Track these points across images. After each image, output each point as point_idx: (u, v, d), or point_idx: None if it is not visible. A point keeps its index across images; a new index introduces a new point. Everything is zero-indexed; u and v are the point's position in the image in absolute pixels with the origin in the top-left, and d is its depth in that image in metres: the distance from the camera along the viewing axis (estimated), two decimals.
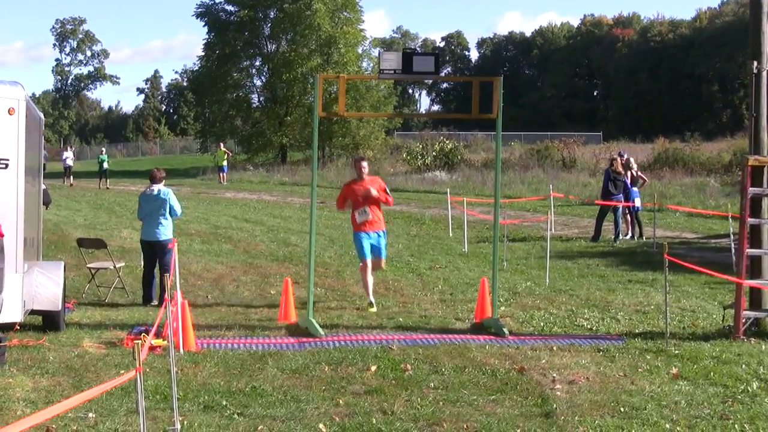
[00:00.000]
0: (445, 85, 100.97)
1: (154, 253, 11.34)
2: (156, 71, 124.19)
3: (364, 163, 11.23)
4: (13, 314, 8.79)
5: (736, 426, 6.39)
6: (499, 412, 6.67)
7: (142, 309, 10.96)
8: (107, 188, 36.95)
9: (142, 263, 11.80)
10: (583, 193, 28.07)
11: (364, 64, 53.67)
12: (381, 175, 40.60)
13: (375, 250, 11.03)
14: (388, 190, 11.21)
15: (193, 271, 13.97)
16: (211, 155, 49.02)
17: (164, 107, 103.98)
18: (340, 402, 6.92)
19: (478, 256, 16.24)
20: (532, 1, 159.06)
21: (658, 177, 31.15)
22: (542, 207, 23.48)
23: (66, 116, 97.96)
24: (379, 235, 11.07)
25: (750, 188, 9.62)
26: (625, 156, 20.27)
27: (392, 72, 9.58)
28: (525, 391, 7.27)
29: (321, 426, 6.30)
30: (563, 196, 25.16)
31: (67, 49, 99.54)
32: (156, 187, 11.42)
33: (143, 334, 8.99)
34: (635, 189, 19.15)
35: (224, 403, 6.81)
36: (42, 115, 11.32)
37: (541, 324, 10.17)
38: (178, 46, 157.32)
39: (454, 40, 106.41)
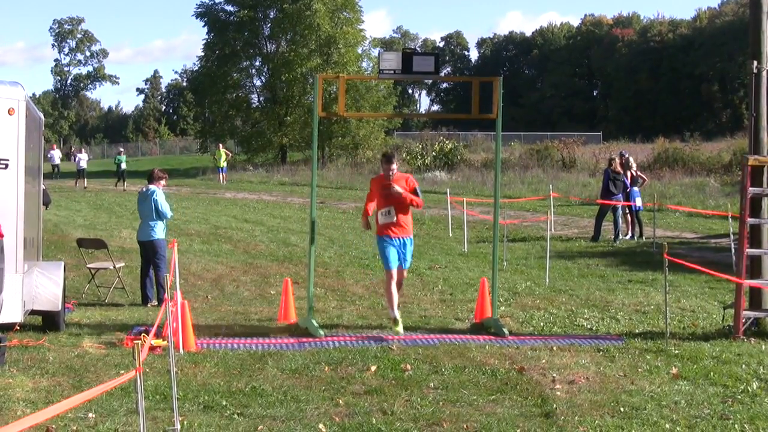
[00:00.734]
0: (444, 85, 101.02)
1: (147, 252, 11.35)
2: (156, 71, 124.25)
3: (393, 165, 9.65)
4: (13, 314, 8.80)
5: (736, 426, 6.39)
6: (499, 412, 6.67)
7: (141, 309, 10.97)
8: (124, 190, 35.19)
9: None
10: (582, 193, 28.08)
11: (364, 64, 53.73)
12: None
13: (399, 259, 9.61)
14: (418, 191, 9.74)
15: (193, 271, 13.97)
16: (211, 155, 49.03)
17: (164, 107, 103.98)
18: (340, 402, 6.92)
19: (477, 256, 16.24)
20: (533, 0, 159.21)
21: (658, 177, 31.16)
22: (542, 207, 23.48)
23: (66, 116, 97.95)
24: (404, 243, 9.63)
25: (750, 188, 9.62)
26: (626, 156, 20.28)
27: (392, 72, 9.58)
28: (525, 391, 7.27)
29: (321, 426, 6.30)
30: (562, 196, 25.17)
31: (66, 49, 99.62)
32: (148, 187, 11.46)
33: (143, 334, 8.99)
34: (636, 189, 19.15)
35: (224, 403, 6.81)
36: (42, 116, 11.33)
37: (541, 324, 10.17)
38: (179, 46, 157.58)
39: (454, 40, 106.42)
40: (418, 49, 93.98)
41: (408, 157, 42.59)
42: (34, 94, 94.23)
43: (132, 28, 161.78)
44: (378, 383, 7.48)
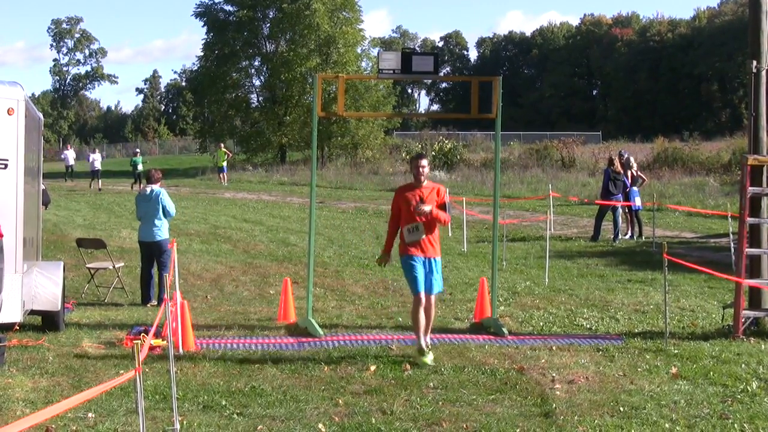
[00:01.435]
0: (444, 84, 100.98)
1: (152, 253, 11.37)
2: (155, 71, 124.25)
3: (424, 162, 8.55)
4: (13, 314, 8.80)
5: (735, 425, 6.39)
6: (499, 412, 6.67)
7: (141, 309, 10.97)
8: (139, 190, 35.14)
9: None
10: (582, 192, 28.07)
11: (364, 64, 53.70)
12: (380, 174, 41.00)
13: (426, 282, 8.44)
14: (448, 206, 8.70)
15: (193, 271, 13.97)
16: (211, 155, 48.96)
17: (163, 107, 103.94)
18: (340, 402, 6.92)
19: (477, 255, 16.24)
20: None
21: (658, 176, 31.16)
22: (541, 207, 23.48)
23: (65, 116, 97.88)
24: (432, 263, 8.48)
25: (749, 188, 9.62)
26: (626, 155, 20.28)
27: (391, 72, 9.57)
28: (524, 390, 7.27)
29: (320, 426, 6.30)
30: (561, 195, 25.17)
31: (65, 49, 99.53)
32: (151, 188, 11.48)
33: (142, 334, 8.99)
34: (635, 188, 19.15)
35: (223, 403, 6.81)
36: (41, 116, 11.33)
37: (541, 324, 10.17)
38: (179, 46, 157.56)
39: (453, 40, 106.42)
40: (418, 48, 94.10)
41: (408, 157, 42.58)
42: (33, 94, 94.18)
43: (132, 28, 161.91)
44: (377, 383, 7.48)
